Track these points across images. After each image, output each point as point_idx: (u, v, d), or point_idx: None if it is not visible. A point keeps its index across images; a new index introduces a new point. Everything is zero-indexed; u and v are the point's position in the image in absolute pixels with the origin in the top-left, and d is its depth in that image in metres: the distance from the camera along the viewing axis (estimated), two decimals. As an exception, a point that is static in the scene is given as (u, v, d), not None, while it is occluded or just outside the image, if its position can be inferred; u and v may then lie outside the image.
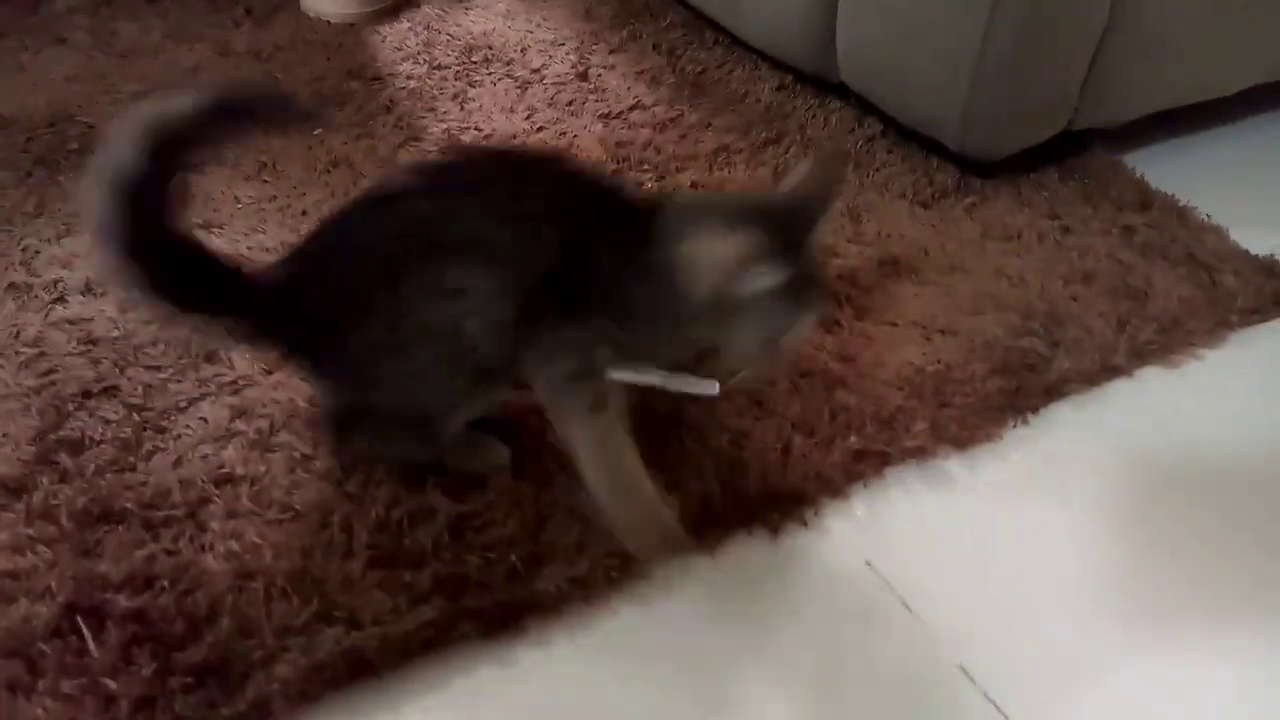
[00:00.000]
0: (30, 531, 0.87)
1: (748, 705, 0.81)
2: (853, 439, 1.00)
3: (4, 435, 0.96)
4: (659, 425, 0.99)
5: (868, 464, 0.99)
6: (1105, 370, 1.12)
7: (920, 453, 1.01)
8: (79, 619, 0.80)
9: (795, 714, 0.81)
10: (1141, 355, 1.14)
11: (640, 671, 0.83)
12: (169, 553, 0.85)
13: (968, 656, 0.85)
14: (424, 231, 0.83)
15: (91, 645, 0.78)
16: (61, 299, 1.12)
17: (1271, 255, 1.27)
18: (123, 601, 0.81)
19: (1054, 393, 1.09)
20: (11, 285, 1.13)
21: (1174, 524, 0.97)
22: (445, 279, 0.82)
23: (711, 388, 0.89)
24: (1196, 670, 0.85)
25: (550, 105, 1.50)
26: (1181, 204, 1.36)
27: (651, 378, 0.88)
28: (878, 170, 1.39)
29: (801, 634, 0.87)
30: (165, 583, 0.83)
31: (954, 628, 0.87)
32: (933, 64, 1.30)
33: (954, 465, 1.02)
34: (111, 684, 0.76)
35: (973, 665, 0.85)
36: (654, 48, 1.66)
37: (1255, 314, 1.21)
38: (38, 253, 1.18)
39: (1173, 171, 1.41)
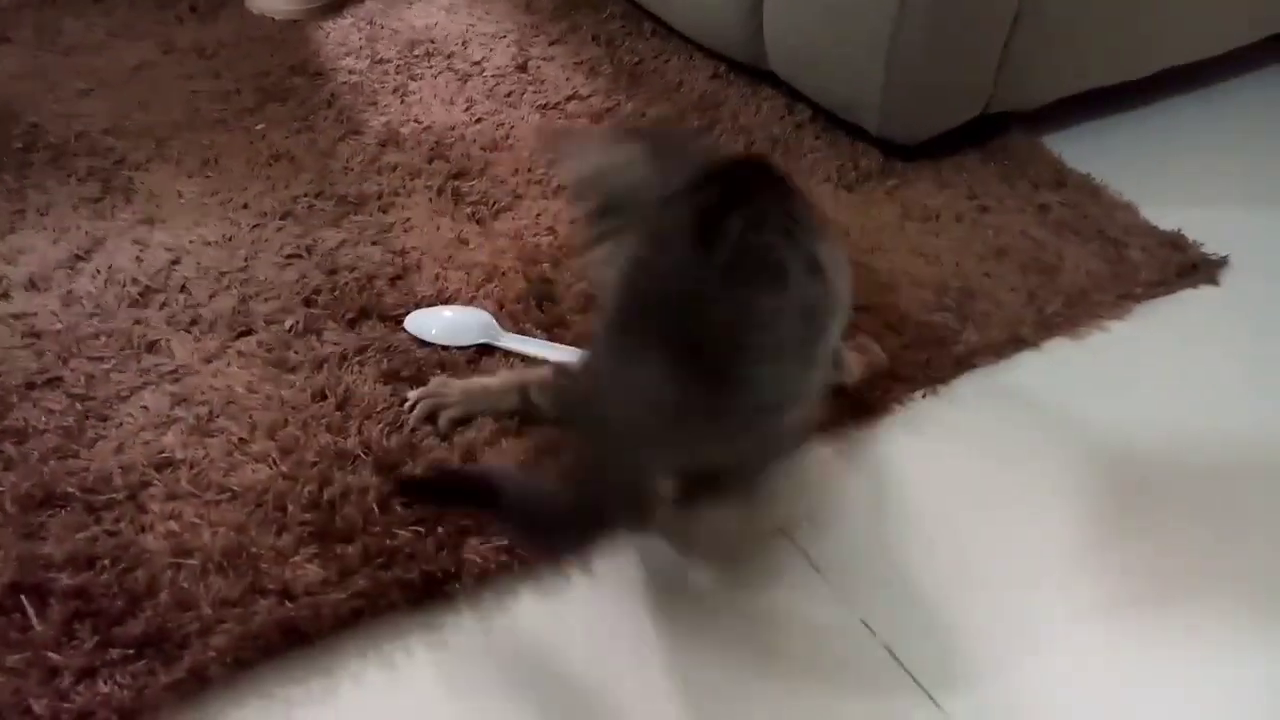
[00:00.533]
0: (-25, 517, 0.90)
1: (667, 665, 0.87)
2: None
3: (-50, 426, 0.99)
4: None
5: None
6: (1013, 342, 1.18)
7: (831, 424, 1.06)
8: (22, 597, 0.84)
9: (705, 669, 0.86)
10: (1049, 327, 1.20)
11: (565, 637, 0.88)
12: (110, 534, 0.90)
13: (870, 612, 0.91)
14: None
15: (35, 621, 0.82)
16: (5, 294, 1.15)
17: (1178, 230, 1.34)
18: (65, 580, 0.85)
19: (963, 364, 1.15)
20: (-44, 281, 1.16)
21: (1076, 487, 1.03)
22: None
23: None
24: (1089, 624, 0.91)
25: (489, 97, 1.54)
26: (1096, 182, 1.42)
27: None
28: (805, 156, 1.44)
29: (718, 598, 0.92)
30: (106, 561, 0.87)
31: (858, 587, 0.93)
32: (851, 50, 1.35)
33: (862, 435, 1.07)
34: (55, 656, 0.80)
35: (874, 620, 0.90)
36: (593, 39, 1.70)
37: (1160, 285, 1.27)
38: (-17, 249, 1.21)
39: (1090, 152, 1.47)
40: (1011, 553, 0.97)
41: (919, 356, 1.13)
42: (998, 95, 1.41)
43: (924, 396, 1.12)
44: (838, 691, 0.86)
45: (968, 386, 1.14)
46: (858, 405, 1.08)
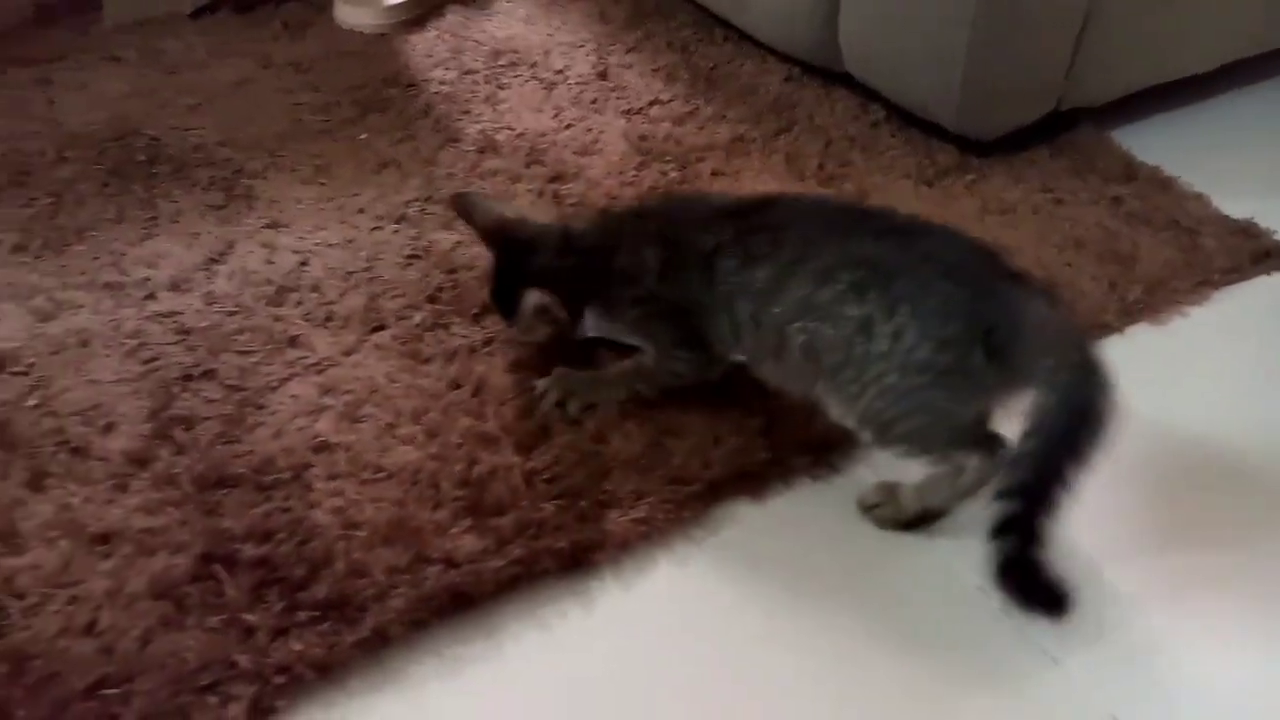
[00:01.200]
0: (159, 496, 0.99)
1: (795, 632, 0.94)
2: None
3: (121, 415, 1.08)
4: (693, 392, 1.11)
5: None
6: (1098, 328, 1.24)
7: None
8: (216, 566, 0.92)
9: (837, 638, 0.93)
10: (1130, 314, 1.26)
11: (698, 605, 0.95)
12: (282, 510, 0.98)
13: (985, 578, 0.97)
14: None
15: (229, 585, 0.90)
16: (152, 295, 1.24)
17: (1250, 218, 1.39)
18: (249, 550, 0.93)
19: (1050, 349, 1.21)
20: (106, 284, 1.25)
21: (1167, 464, 1.09)
22: None
23: None
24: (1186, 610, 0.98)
25: (575, 104, 1.62)
26: (1165, 174, 1.48)
27: None
28: (883, 153, 1.51)
29: (844, 563, 0.99)
30: (283, 535, 0.95)
31: (971, 554, 0.99)
32: (930, 50, 1.42)
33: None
34: (250, 617, 0.88)
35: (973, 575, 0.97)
36: (667, 46, 1.77)
37: (1234, 272, 1.33)
38: (124, 254, 1.30)
39: (1158, 145, 1.53)
40: (1111, 520, 1.03)
41: (1009, 341, 1.19)
42: (1069, 91, 1.48)
43: (1015, 380, 1.18)
44: (952, 652, 0.92)
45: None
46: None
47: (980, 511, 1.02)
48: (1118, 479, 1.07)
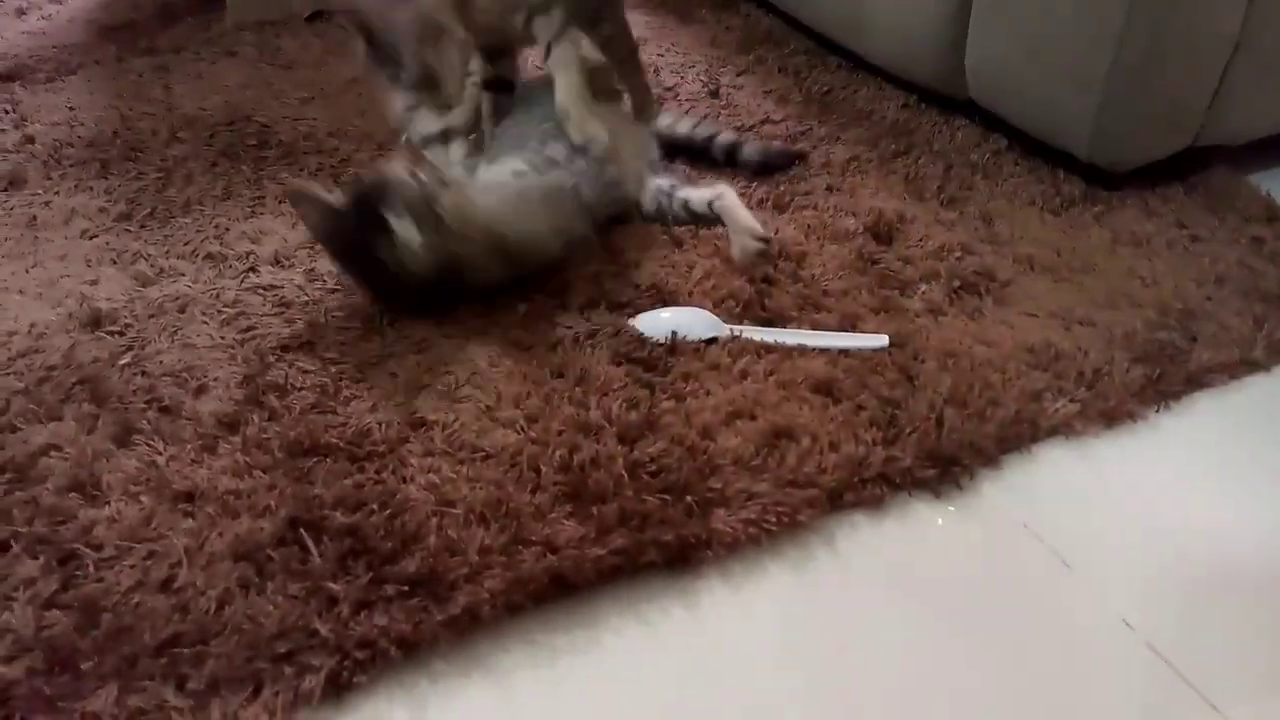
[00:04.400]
0: (247, 459, 0.94)
1: (907, 654, 0.85)
2: (1001, 412, 1.04)
3: (215, 380, 1.04)
4: (811, 389, 1.05)
5: (1018, 436, 1.03)
6: (1244, 364, 1.15)
7: (1068, 428, 1.05)
8: (301, 531, 0.87)
9: (953, 665, 0.85)
10: (1278, 352, 1.17)
11: (807, 616, 0.88)
12: (375, 482, 0.93)
13: (1129, 610, 0.88)
14: None
15: (314, 553, 0.85)
16: (253, 269, 1.21)
17: (1400, 268, 1.29)
18: (338, 519, 0.88)
19: (1194, 382, 1.12)
20: (209, 255, 1.23)
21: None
22: None
23: None
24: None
25: (687, 118, 1.58)
26: (1309, 219, 1.39)
27: None
28: (1006, 180, 1.44)
29: (963, 590, 0.91)
30: (374, 506, 0.90)
31: (1114, 584, 0.90)
32: (1064, 77, 1.36)
33: (1101, 444, 1.05)
34: (334, 587, 0.83)
35: (1134, 618, 0.87)
36: (779, 70, 1.74)
37: (1389, 318, 1.23)
38: (228, 229, 1.28)
39: (1296, 190, 1.44)
40: (1252, 557, 0.93)
41: (1151, 372, 1.11)
42: (1207, 127, 1.40)
43: (1157, 411, 1.09)
44: (1100, 690, 0.83)
45: (1199, 404, 1.11)
46: (1093, 411, 1.06)
47: (1124, 543, 0.94)
48: (1266, 513, 0.98)
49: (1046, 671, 0.84)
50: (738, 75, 1.73)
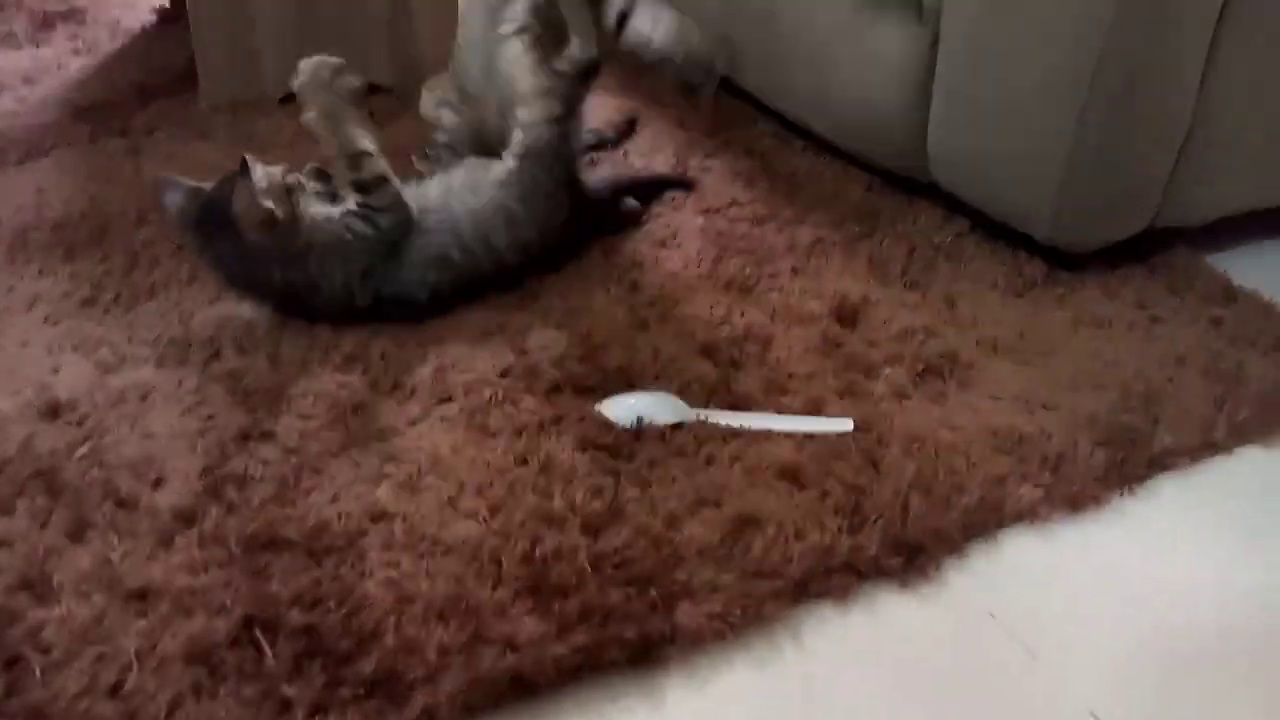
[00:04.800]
0: (204, 554, 0.93)
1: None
2: (966, 499, 1.04)
3: (173, 470, 1.03)
4: (776, 475, 1.04)
5: (983, 522, 1.03)
6: (1206, 446, 1.16)
7: (1032, 514, 1.05)
8: (256, 631, 0.85)
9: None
10: (1240, 434, 1.18)
11: (778, 709, 0.86)
12: (333, 578, 0.91)
13: (1097, 700, 0.87)
14: None
15: (269, 655, 0.83)
16: (217, 355, 1.21)
17: (1357, 348, 1.32)
18: (294, 617, 0.86)
19: (1157, 465, 1.13)
20: (171, 341, 1.23)
21: (1277, 588, 1.00)
22: None
23: None
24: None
25: (654, 200, 1.60)
26: (1266, 299, 1.41)
27: None
28: (968, 262, 1.46)
29: (930, 682, 0.90)
30: (331, 603, 0.88)
31: (1080, 673, 0.90)
32: (1025, 160, 1.38)
33: (1065, 529, 1.05)
34: (288, 690, 0.81)
35: (1101, 709, 0.87)
36: (746, 153, 1.76)
37: (1347, 399, 1.24)
38: (193, 314, 1.28)
39: (1254, 270, 1.46)
40: (1221, 643, 0.93)
41: (1114, 455, 1.12)
42: (1165, 210, 1.43)
43: (1121, 495, 1.10)
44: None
45: (1163, 486, 1.12)
46: (1056, 496, 1.06)
47: (1091, 630, 0.94)
48: (1231, 597, 0.98)
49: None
50: (706, 158, 1.75)
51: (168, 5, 2.25)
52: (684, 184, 1.60)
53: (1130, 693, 0.89)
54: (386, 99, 1.87)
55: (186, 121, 1.78)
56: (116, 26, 2.20)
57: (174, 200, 1.23)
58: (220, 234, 1.21)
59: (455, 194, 1.32)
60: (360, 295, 1.25)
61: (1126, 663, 0.92)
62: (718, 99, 1.90)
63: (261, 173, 1.20)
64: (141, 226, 1.46)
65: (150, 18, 2.25)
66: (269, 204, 1.18)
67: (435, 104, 1.58)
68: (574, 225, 1.40)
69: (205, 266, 1.27)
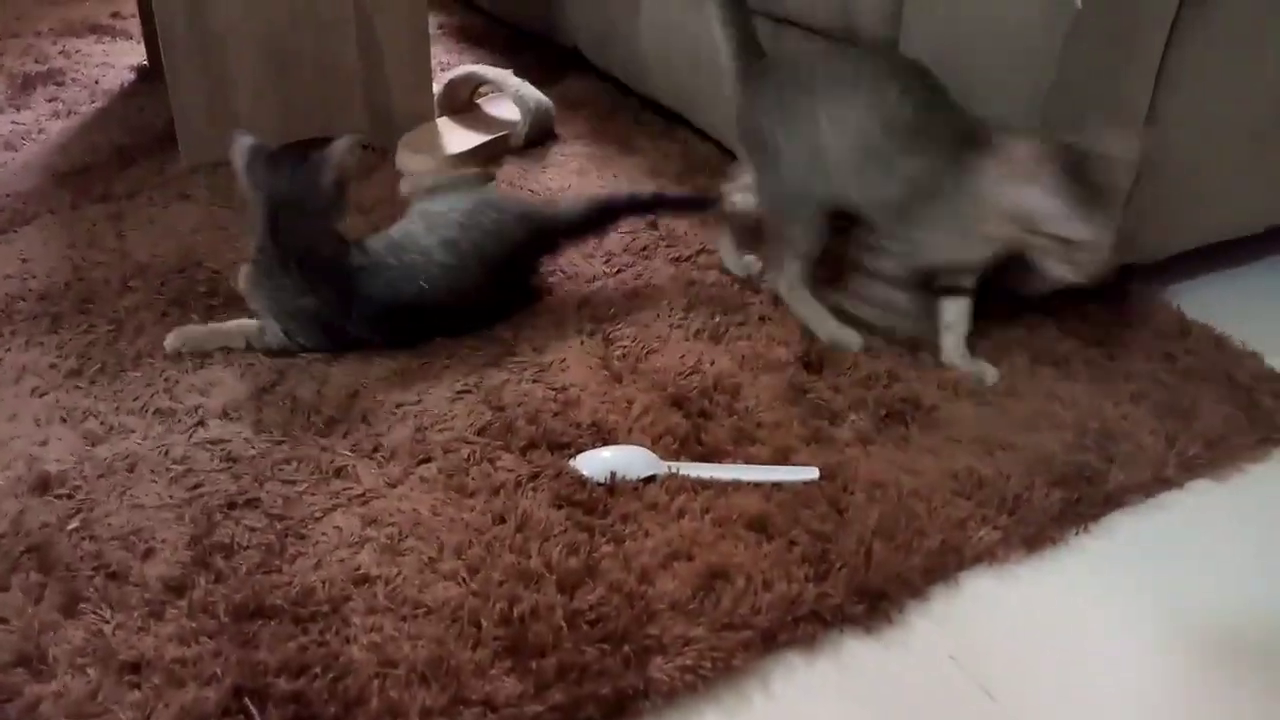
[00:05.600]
0: (193, 625, 0.96)
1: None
2: (928, 543, 1.08)
3: (162, 541, 1.06)
4: (745, 525, 1.09)
5: (944, 566, 1.07)
6: (1158, 482, 1.21)
7: (990, 556, 1.09)
8: (245, 700, 0.88)
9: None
10: (1190, 469, 1.23)
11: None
12: (319, 644, 0.95)
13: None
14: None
15: (258, 722, 0.87)
16: (202, 422, 1.24)
17: (1307, 378, 1.37)
18: (282, 685, 0.90)
19: (1112, 503, 1.17)
20: (157, 410, 1.26)
21: (1230, 618, 1.05)
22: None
23: None
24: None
25: (626, 251, 1.64)
26: (1218, 332, 1.46)
27: None
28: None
29: (894, 722, 0.94)
30: (318, 670, 0.92)
31: (1036, 714, 0.94)
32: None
33: (1023, 569, 1.10)
34: (279, 758, 0.84)
35: (1057, 750, 0.91)
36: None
37: (1294, 431, 1.30)
38: (177, 382, 1.31)
39: (1208, 304, 1.52)
40: (1177, 679, 0.98)
41: (1070, 495, 1.16)
42: (1119, 248, 1.48)
43: (1076, 534, 1.14)
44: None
45: (1117, 523, 1.16)
46: (1014, 538, 1.10)
47: (1047, 668, 0.98)
48: (1180, 630, 1.02)
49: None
50: (676, 205, 1.80)
51: (147, 64, 2.30)
52: (705, 204, 1.64)
53: (1085, 730, 0.93)
54: (363, 154, 1.92)
55: (167, 183, 1.82)
56: (95, 87, 2.24)
57: (244, 146, 1.35)
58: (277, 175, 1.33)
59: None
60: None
61: (1081, 703, 0.96)
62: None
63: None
64: (126, 293, 1.49)
65: (129, 75, 2.30)
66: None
67: None
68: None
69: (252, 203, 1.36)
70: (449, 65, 2.30)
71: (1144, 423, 1.28)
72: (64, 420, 1.24)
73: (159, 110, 2.01)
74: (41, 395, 1.29)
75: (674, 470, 1.17)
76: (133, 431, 1.23)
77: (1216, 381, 1.36)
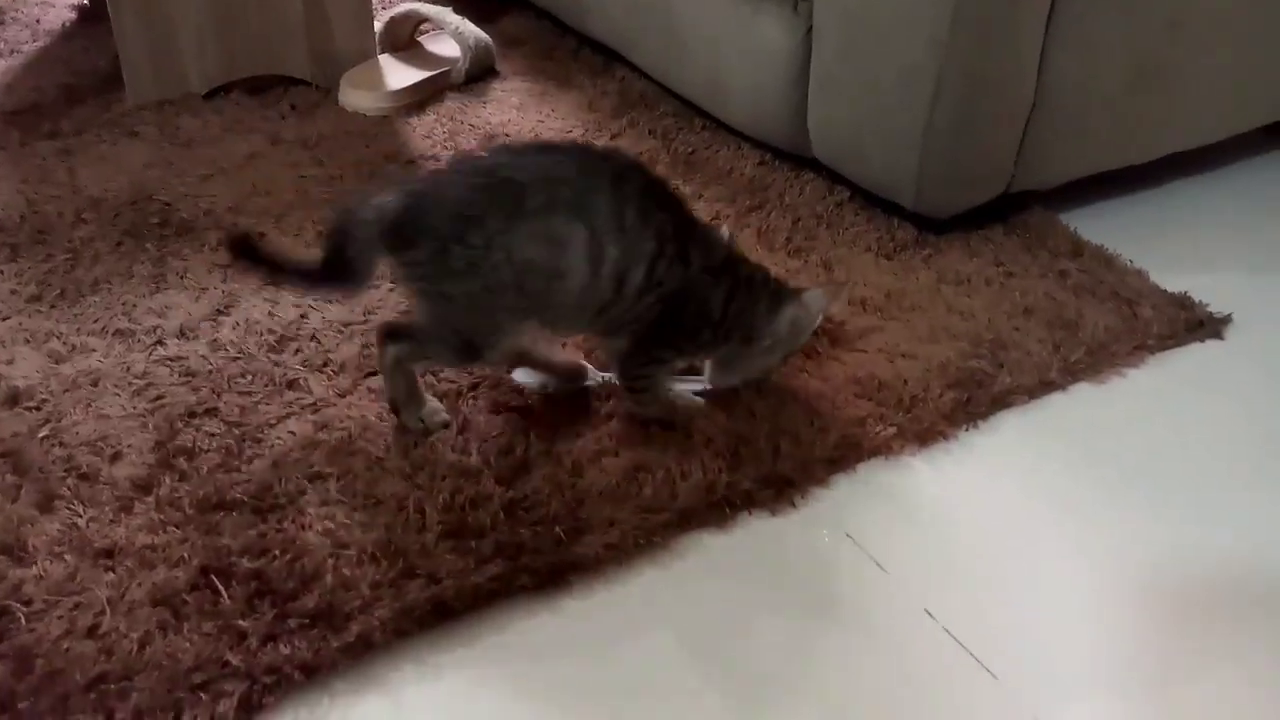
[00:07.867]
0: (161, 516, 1.06)
1: (750, 648, 1.00)
2: (831, 438, 1.20)
3: (129, 446, 1.15)
4: (669, 427, 1.20)
5: (844, 458, 1.19)
6: (1043, 385, 1.33)
7: (888, 449, 1.21)
8: (212, 577, 0.98)
9: (788, 656, 1.00)
10: (1073, 373, 1.36)
11: (662, 622, 1.02)
12: (277, 530, 1.05)
13: (931, 602, 1.04)
14: (546, 187, 1.07)
15: (224, 596, 0.97)
16: (160, 342, 1.32)
17: (1185, 292, 1.50)
18: (244, 565, 1.00)
19: (999, 403, 1.30)
20: (118, 331, 1.33)
21: (1099, 508, 1.18)
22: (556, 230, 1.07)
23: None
24: (1117, 633, 1.05)
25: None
26: (1109, 252, 1.59)
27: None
28: (846, 229, 1.62)
29: (796, 591, 1.06)
30: (276, 551, 1.02)
31: (919, 582, 1.07)
32: (888, 139, 1.54)
33: (916, 461, 1.22)
34: (243, 623, 0.95)
35: (936, 609, 1.04)
36: (649, 133, 1.90)
37: (1170, 339, 1.43)
38: (135, 305, 1.39)
39: (1103, 227, 1.64)
40: (1044, 553, 1.11)
41: (961, 396, 1.29)
42: (1018, 176, 1.60)
43: (966, 430, 1.27)
44: (901, 669, 0.99)
45: (1004, 422, 1.29)
46: (909, 433, 1.23)
47: (931, 545, 1.11)
48: (1055, 513, 1.15)
49: (859, 656, 1.00)
50: (612, 138, 1.88)
51: (87, 3, 2.32)
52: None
53: (960, 594, 1.06)
54: (306, 91, 1.98)
55: (114, 121, 1.86)
56: (37, 26, 2.25)
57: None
58: None
59: None
60: None
61: (959, 569, 1.09)
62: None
63: None
64: (80, 225, 1.55)
65: (70, 15, 2.31)
66: None
67: None
68: None
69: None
70: (390, 3, 2.34)
71: (1034, 333, 1.41)
72: (28, 341, 1.31)
73: (102, 51, 2.04)
74: (4, 319, 1.36)
75: (606, 379, 1.28)
76: (94, 351, 1.30)
77: (1103, 296, 1.49)
